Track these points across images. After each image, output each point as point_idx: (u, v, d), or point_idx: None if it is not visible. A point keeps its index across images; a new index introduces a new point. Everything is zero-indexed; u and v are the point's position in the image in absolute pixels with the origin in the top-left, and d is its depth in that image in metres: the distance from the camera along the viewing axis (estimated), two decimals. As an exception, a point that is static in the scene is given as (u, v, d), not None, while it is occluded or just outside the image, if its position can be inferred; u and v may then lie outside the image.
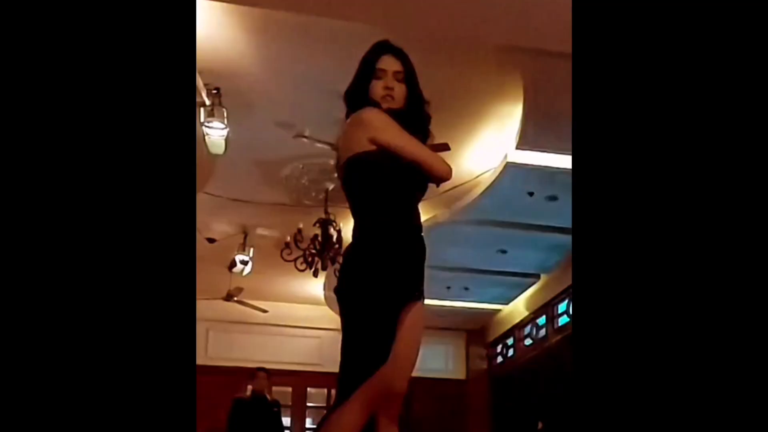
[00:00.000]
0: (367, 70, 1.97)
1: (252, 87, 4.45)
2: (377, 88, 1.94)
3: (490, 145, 5.17)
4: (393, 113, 1.93)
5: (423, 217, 6.96)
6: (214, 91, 4.24)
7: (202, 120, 4.31)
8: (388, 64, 1.95)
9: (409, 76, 1.97)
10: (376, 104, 1.93)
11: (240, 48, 4.07)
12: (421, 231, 1.96)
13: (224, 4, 3.61)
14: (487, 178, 5.41)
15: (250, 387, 6.59)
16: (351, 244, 1.94)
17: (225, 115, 4.32)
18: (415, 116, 1.98)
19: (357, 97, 1.97)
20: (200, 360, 9.03)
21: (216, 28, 3.88)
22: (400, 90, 1.95)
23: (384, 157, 1.88)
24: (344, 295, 1.89)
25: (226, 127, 4.39)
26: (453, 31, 3.75)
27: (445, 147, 4.76)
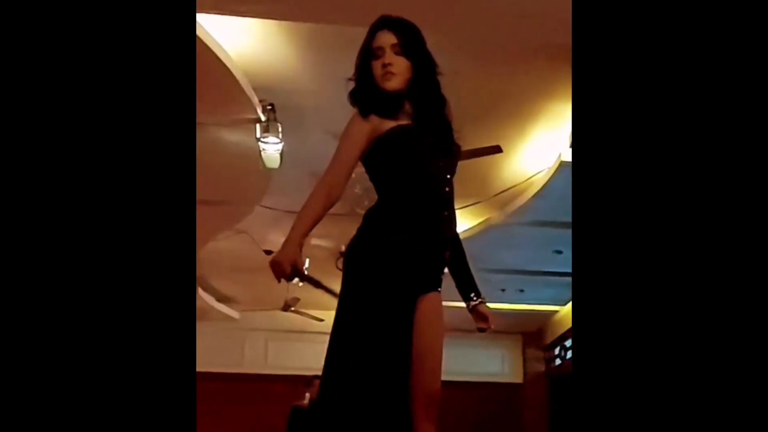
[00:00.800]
0: (365, 54, 1.86)
1: (305, 101, 4.54)
2: (376, 68, 1.84)
3: (542, 145, 5.14)
4: (390, 97, 1.84)
5: (476, 221, 6.84)
6: (269, 107, 4.35)
7: (258, 135, 4.43)
8: (384, 39, 1.84)
9: (408, 47, 1.84)
10: (376, 86, 1.85)
11: (292, 63, 4.17)
12: (440, 217, 1.82)
13: (276, 21, 3.72)
14: (541, 179, 5.37)
15: (308, 395, 6.69)
16: (355, 234, 1.84)
17: (280, 129, 4.43)
18: (421, 88, 1.87)
19: (361, 84, 1.88)
20: (260, 369, 9.26)
21: (268, 44, 3.99)
22: (399, 63, 1.83)
23: (378, 152, 1.84)
24: (346, 284, 1.80)
25: (281, 142, 4.50)
26: (500, 32, 3.76)
27: (497, 150, 4.79)
